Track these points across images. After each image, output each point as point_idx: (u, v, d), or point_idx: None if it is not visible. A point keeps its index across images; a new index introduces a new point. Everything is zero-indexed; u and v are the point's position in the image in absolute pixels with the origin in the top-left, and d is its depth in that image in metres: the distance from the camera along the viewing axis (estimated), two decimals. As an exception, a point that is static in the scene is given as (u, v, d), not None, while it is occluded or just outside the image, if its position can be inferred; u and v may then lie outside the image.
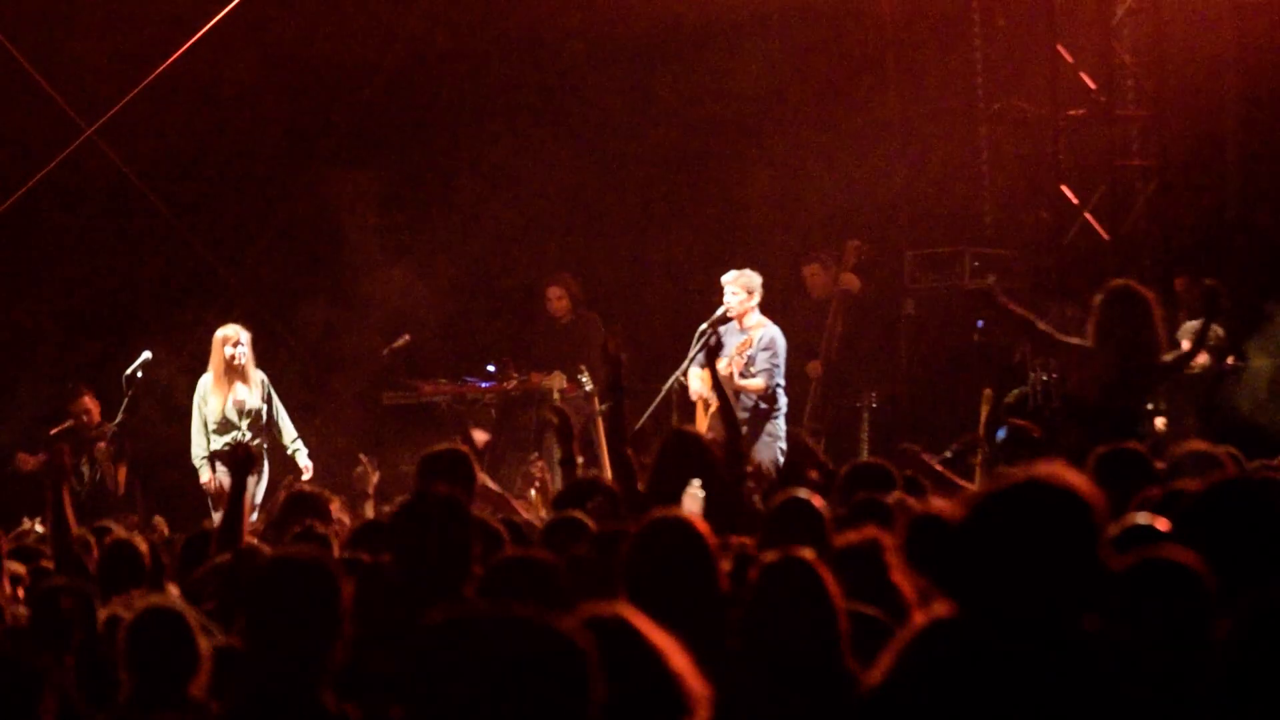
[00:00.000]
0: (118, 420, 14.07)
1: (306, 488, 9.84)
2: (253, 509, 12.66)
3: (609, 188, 16.48)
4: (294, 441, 13.62)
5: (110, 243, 16.31)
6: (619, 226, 16.48)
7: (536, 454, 13.36)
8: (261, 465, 13.22)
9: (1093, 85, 14.84)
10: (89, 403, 14.54)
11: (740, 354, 13.27)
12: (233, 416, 13.50)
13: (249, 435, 13.43)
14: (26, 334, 16.05)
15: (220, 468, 13.34)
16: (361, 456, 9.16)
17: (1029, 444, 9.95)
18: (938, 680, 3.60)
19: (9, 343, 16.02)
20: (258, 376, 13.63)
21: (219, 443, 13.46)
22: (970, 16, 15.54)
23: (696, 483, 7.32)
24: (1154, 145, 14.99)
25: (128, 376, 13.76)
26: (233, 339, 13.52)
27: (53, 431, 14.56)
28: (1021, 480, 3.67)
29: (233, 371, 13.51)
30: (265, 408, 13.57)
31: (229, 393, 13.51)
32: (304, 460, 13.56)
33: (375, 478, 10.32)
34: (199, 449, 13.57)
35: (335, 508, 8.51)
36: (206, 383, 13.59)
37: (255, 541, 7.73)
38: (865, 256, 14.39)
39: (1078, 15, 15.01)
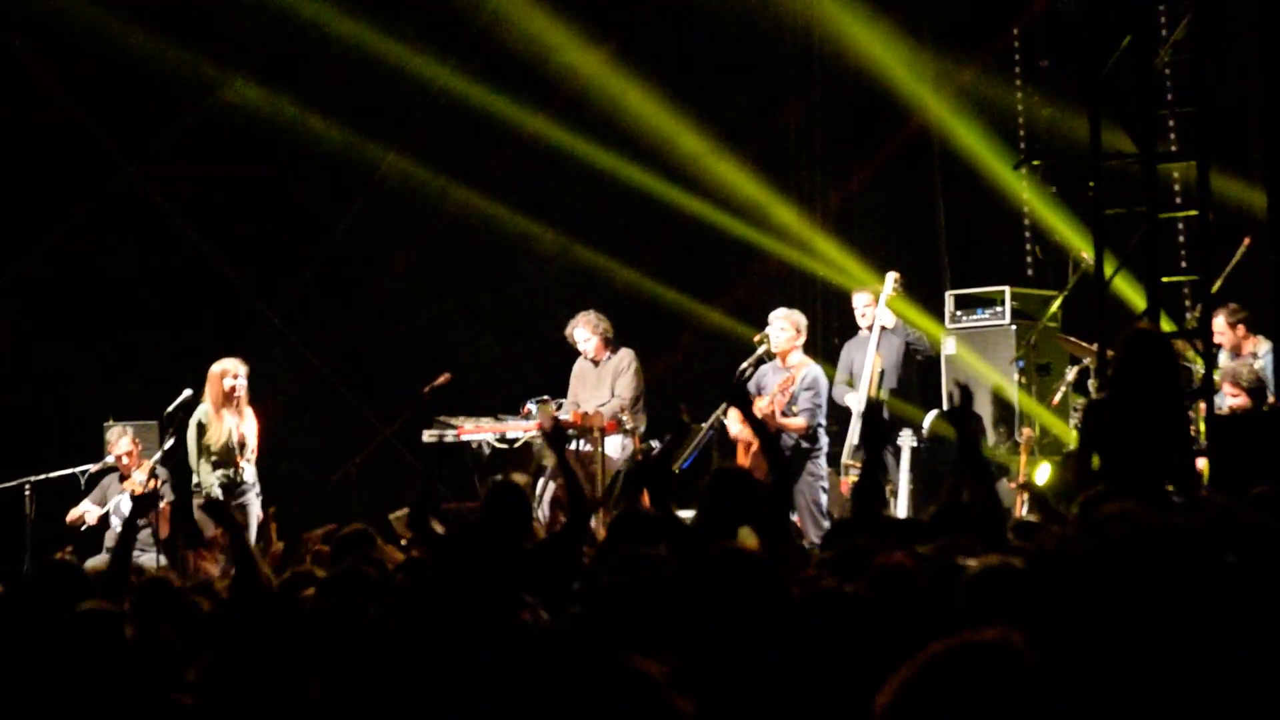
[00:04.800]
0: (157, 459, 14.02)
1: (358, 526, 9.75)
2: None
3: (649, 225, 16.48)
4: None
5: (150, 279, 16.35)
6: (660, 264, 16.46)
7: None
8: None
9: (1133, 128, 14.81)
10: (129, 443, 14.53)
11: (782, 391, 13.21)
12: (234, 448, 13.49)
13: (245, 468, 13.48)
14: (65, 371, 16.06)
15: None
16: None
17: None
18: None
19: (48, 379, 16.04)
20: (248, 411, 13.67)
21: (218, 474, 13.44)
22: (1010, 58, 15.55)
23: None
24: (1194, 188, 14.96)
25: (168, 415, 13.66)
26: (232, 371, 13.56)
27: (92, 470, 14.56)
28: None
29: (230, 403, 13.54)
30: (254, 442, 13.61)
31: (228, 425, 13.51)
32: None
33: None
34: (204, 479, 13.50)
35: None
36: (204, 412, 13.57)
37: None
38: (901, 288, 14.29)
39: (1119, 59, 15.00)
